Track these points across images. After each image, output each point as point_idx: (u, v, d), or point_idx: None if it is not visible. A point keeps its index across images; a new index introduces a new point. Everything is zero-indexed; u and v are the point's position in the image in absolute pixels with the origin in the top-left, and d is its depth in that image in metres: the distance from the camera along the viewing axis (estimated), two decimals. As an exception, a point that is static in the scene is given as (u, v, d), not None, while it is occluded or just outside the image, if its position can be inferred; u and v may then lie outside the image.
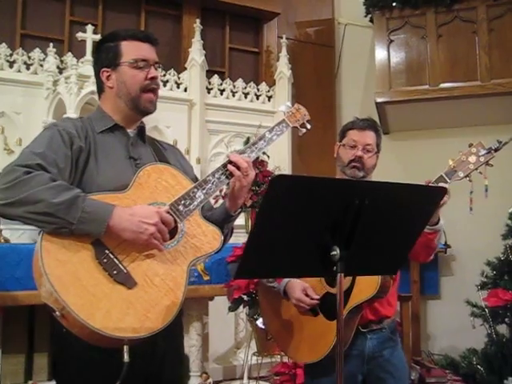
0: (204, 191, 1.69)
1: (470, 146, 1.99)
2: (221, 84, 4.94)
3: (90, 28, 4.18)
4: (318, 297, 2.01)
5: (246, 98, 5.03)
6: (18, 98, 4.05)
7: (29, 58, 4.17)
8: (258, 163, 4.51)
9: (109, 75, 1.77)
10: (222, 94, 4.95)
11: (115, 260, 1.53)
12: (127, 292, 1.51)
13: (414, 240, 1.58)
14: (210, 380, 3.48)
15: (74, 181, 1.64)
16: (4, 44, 4.11)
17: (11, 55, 4.13)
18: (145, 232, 1.53)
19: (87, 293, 1.47)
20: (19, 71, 4.13)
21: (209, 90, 4.90)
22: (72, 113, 3.84)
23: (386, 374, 2.09)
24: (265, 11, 5.17)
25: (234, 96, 4.99)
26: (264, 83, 5.12)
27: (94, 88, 3.96)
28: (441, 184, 1.92)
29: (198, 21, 4.82)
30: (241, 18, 5.21)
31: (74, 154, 1.65)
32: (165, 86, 4.66)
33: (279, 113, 5.12)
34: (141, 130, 1.83)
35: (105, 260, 1.52)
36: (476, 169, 1.97)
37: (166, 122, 4.59)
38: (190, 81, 4.76)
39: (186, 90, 4.75)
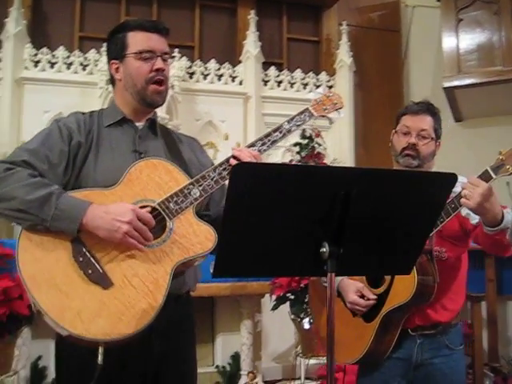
0: (201, 188, 1.57)
1: None
2: (278, 75, 4.81)
3: (141, 25, 4.21)
4: (374, 297, 1.86)
5: (304, 88, 4.86)
6: (75, 99, 4.16)
7: (85, 58, 4.28)
8: (314, 155, 4.35)
9: (117, 67, 1.72)
10: (279, 85, 4.81)
11: (91, 259, 1.47)
12: (102, 292, 1.44)
13: (423, 236, 1.38)
14: (258, 379, 3.38)
15: (72, 176, 1.61)
16: (62, 47, 4.24)
17: (68, 57, 4.25)
18: (118, 230, 1.45)
19: (59, 292, 1.42)
20: (76, 72, 4.24)
21: (265, 83, 4.78)
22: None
23: (433, 382, 1.89)
24: (324, -2, 4.98)
25: (292, 87, 4.83)
26: (324, 73, 4.93)
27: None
28: (483, 183, 1.65)
29: (252, 12, 4.72)
30: (298, 7, 5.05)
31: (72, 149, 1.62)
32: (219, 79, 4.61)
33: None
34: (152, 123, 1.76)
35: (81, 258, 1.46)
36: None
37: (221, 117, 4.54)
38: (246, 74, 4.67)
39: (241, 83, 4.66)
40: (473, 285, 4.63)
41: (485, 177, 1.69)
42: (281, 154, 4.67)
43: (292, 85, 4.84)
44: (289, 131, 1.76)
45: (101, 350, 1.41)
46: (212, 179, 1.59)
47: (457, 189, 1.72)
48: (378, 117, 5.01)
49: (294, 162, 4.35)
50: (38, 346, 3.35)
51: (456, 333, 1.95)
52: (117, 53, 1.71)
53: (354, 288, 1.88)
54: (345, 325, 1.93)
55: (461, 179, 1.87)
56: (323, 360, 3.52)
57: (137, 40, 1.69)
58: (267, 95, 4.74)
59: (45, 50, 4.20)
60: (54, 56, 4.22)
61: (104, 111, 1.77)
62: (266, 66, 4.81)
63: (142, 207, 1.55)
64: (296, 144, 4.42)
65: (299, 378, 3.92)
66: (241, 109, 4.61)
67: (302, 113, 1.81)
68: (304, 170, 1.27)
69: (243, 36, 4.75)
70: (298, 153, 4.39)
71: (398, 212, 1.30)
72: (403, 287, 1.77)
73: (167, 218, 1.54)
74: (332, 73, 4.96)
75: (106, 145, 1.68)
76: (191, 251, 1.53)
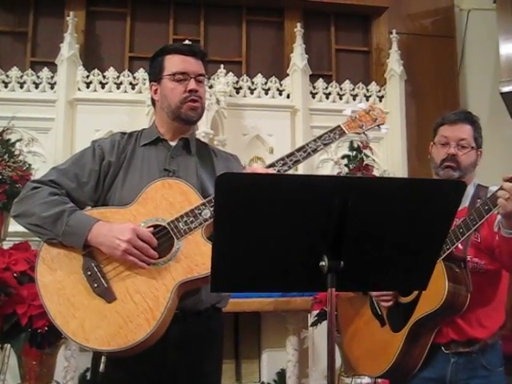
0: (212, 208, 1.58)
1: None
2: (326, 87, 4.74)
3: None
4: None
5: (354, 100, 4.75)
6: (124, 117, 4.27)
7: (134, 78, 4.39)
8: (363, 167, 4.23)
9: (156, 89, 1.82)
10: (327, 98, 4.74)
11: (98, 273, 1.56)
12: (104, 306, 1.52)
13: (435, 248, 1.28)
14: (301, 399, 3.28)
15: (102, 193, 1.73)
16: (112, 68, 4.38)
17: (118, 77, 4.38)
18: (117, 248, 1.53)
19: (67, 302, 1.52)
20: (125, 91, 4.36)
21: (313, 95, 4.72)
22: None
23: None
24: (372, 7, 4.87)
25: (341, 99, 4.75)
26: (374, 83, 4.81)
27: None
28: None
29: (299, 25, 4.68)
30: (347, 17, 4.97)
31: (103, 169, 1.74)
32: (266, 94, 4.60)
33: (391, 113, 4.77)
34: (185, 142, 1.82)
35: (89, 272, 1.56)
36: None
37: (268, 131, 4.51)
38: (293, 87, 4.63)
39: (288, 96, 4.63)
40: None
41: None
42: (330, 167, 4.58)
43: (341, 96, 4.75)
44: (314, 151, 1.74)
45: (103, 358, 1.49)
46: None
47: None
48: (432, 125, 4.83)
49: (341, 175, 4.25)
50: (87, 358, 3.43)
51: (495, 352, 1.83)
52: (155, 75, 1.82)
53: None
54: (371, 335, 1.89)
55: (492, 188, 1.76)
56: (366, 379, 3.39)
57: (172, 63, 1.79)
58: (315, 108, 4.67)
59: (96, 71, 4.35)
60: (104, 77, 4.36)
61: (144, 131, 1.88)
62: (314, 78, 4.74)
63: (153, 226, 1.61)
64: (344, 156, 4.33)
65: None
66: (288, 122, 4.56)
67: (332, 131, 1.79)
68: (292, 180, 1.21)
69: (290, 49, 4.72)
70: (347, 165, 4.29)
71: (401, 223, 1.22)
72: (433, 295, 1.69)
73: (175, 238, 1.59)
74: (383, 83, 4.83)
75: (137, 164, 1.77)
76: (195, 271, 1.55)
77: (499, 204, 1.59)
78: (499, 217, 1.69)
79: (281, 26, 4.89)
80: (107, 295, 1.54)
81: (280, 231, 1.19)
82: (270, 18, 4.91)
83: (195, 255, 1.57)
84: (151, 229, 1.60)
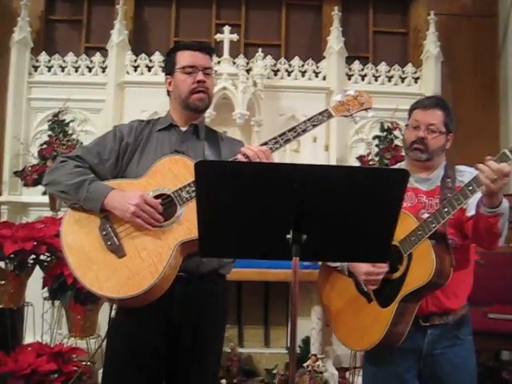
0: None
1: None
2: (362, 69, 4.87)
3: (227, 29, 4.53)
4: (386, 266, 1.92)
5: (389, 81, 4.86)
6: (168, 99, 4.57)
7: (178, 61, 4.68)
8: (392, 148, 4.37)
9: (170, 81, 2.06)
10: (363, 79, 4.87)
11: (112, 233, 1.82)
12: (116, 260, 1.78)
13: (389, 225, 1.46)
14: (319, 362, 3.54)
15: (121, 169, 2.00)
16: (158, 52, 4.69)
17: (164, 61, 4.68)
18: (127, 210, 1.79)
19: (85, 256, 1.80)
20: (170, 74, 4.66)
21: (349, 77, 4.86)
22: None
23: (443, 373, 1.96)
24: (412, -12, 4.93)
25: (376, 81, 4.86)
26: (410, 65, 4.88)
27: (225, 84, 4.33)
28: (503, 163, 1.68)
29: (336, 8, 4.81)
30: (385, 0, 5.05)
31: (122, 148, 2.00)
32: (303, 76, 4.78)
33: (426, 95, 4.88)
34: (195, 128, 2.06)
35: (104, 232, 1.83)
36: None
37: (304, 111, 4.65)
38: (329, 69, 4.78)
39: (324, 78, 4.79)
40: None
41: (502, 159, 1.72)
42: (363, 147, 4.72)
43: (376, 78, 4.86)
44: (304, 131, 1.93)
45: (114, 306, 1.79)
46: None
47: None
48: (470, 107, 4.86)
49: (371, 155, 4.41)
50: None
51: (465, 322, 2.00)
52: (169, 69, 2.06)
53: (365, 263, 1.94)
54: (358, 312, 2.01)
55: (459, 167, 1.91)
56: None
57: (183, 58, 2.02)
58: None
59: (143, 55, 4.68)
60: (151, 61, 4.68)
61: (160, 119, 2.13)
62: (351, 60, 4.87)
63: (160, 195, 1.86)
64: (375, 137, 4.47)
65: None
66: (323, 103, 4.70)
67: (320, 113, 1.98)
68: (257, 166, 1.45)
69: (328, 32, 4.86)
70: (377, 145, 4.44)
71: (354, 203, 1.41)
72: (421, 271, 1.85)
73: (178, 204, 1.84)
74: (419, 64, 4.89)
75: (152, 146, 2.02)
76: (193, 233, 1.77)
77: (484, 183, 1.69)
78: (477, 196, 1.80)
79: (319, 10, 5.04)
80: (119, 251, 1.78)
81: (250, 209, 1.42)
82: (308, 1, 5.06)
83: (195, 219, 1.73)
84: (160, 198, 1.84)
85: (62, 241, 1.85)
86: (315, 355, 3.60)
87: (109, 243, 1.81)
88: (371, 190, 1.41)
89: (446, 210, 1.83)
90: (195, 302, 1.92)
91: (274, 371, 3.73)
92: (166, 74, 2.08)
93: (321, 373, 3.55)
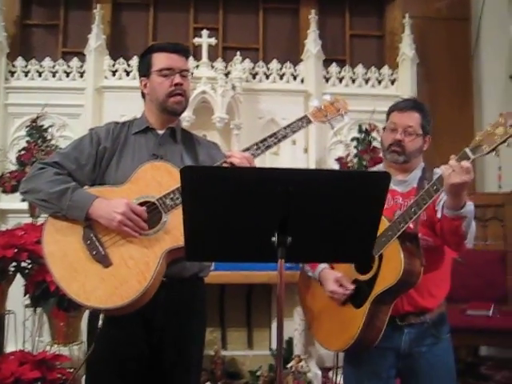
0: None
1: (500, 115, 1.72)
2: (339, 72, 4.92)
3: (205, 33, 4.56)
4: (352, 287, 1.97)
5: (366, 84, 4.93)
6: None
7: (155, 66, 4.69)
8: (371, 150, 4.44)
9: (145, 83, 2.04)
10: (341, 82, 4.92)
11: (96, 242, 1.81)
12: (102, 270, 1.77)
13: (371, 226, 1.49)
14: (302, 363, 3.58)
15: (98, 174, 1.96)
16: (136, 57, 4.67)
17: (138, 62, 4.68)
18: (114, 219, 1.78)
19: (70, 267, 1.78)
20: (149, 79, 4.66)
21: (327, 80, 4.91)
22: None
23: (422, 371, 1.99)
24: (387, -9, 5.01)
25: (353, 83, 4.93)
26: (386, 67, 4.95)
27: (205, 88, 4.34)
28: (463, 162, 1.70)
29: (313, 12, 4.86)
30: (361, 2, 5.12)
31: (99, 153, 1.97)
32: (281, 79, 4.81)
33: (402, 96, 4.94)
34: (172, 131, 2.05)
35: (88, 242, 1.81)
36: (504, 141, 1.70)
37: (283, 114, 4.71)
38: (306, 72, 4.83)
39: (302, 81, 4.83)
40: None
41: (463, 157, 1.74)
42: (342, 149, 4.77)
43: (354, 80, 4.92)
44: (284, 137, 1.96)
45: (101, 316, 1.75)
46: None
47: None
48: (444, 109, 4.95)
49: (350, 156, 4.46)
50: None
51: (442, 321, 2.03)
52: (144, 71, 2.03)
53: (332, 277, 1.99)
54: (333, 313, 2.04)
55: (436, 170, 1.95)
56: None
57: (159, 60, 1.99)
58: (328, 92, 4.84)
59: (121, 60, 4.67)
60: (129, 65, 4.67)
61: (135, 121, 2.09)
62: (329, 63, 4.92)
63: (143, 202, 1.86)
64: (353, 139, 4.53)
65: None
66: (302, 106, 4.75)
67: (299, 119, 2.02)
68: (242, 171, 1.48)
69: (305, 35, 4.91)
70: (356, 147, 4.50)
71: (337, 206, 1.44)
72: (390, 271, 1.87)
73: (163, 212, 1.83)
74: (395, 66, 4.97)
75: (130, 150, 2.00)
76: (180, 241, 1.76)
77: (444, 178, 1.72)
78: (443, 198, 1.84)
79: (296, 13, 5.08)
80: (104, 261, 1.77)
81: (236, 213, 1.44)
82: (285, 5, 5.10)
83: (180, 227, 1.75)
84: (145, 205, 1.84)
85: (43, 250, 1.82)
86: (298, 356, 3.64)
87: (94, 253, 1.79)
88: (354, 193, 1.44)
89: (413, 210, 1.86)
90: (178, 306, 1.93)
91: (258, 373, 3.76)
92: (141, 76, 2.05)
93: (304, 373, 3.59)
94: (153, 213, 1.84)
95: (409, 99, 2.10)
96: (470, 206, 1.78)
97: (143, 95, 2.07)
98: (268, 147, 1.94)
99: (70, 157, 1.93)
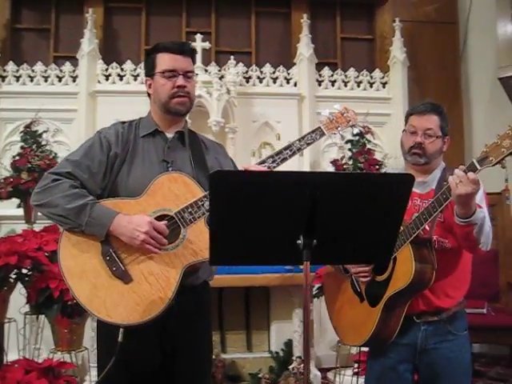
0: None
1: (509, 127, 1.75)
2: (331, 75, 4.98)
3: (198, 37, 4.56)
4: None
5: (358, 86, 4.99)
6: (142, 107, 4.45)
7: (151, 70, 4.68)
8: (365, 151, 4.48)
9: (150, 83, 2.02)
10: (333, 85, 4.98)
11: (116, 258, 1.78)
12: (123, 286, 1.75)
13: (393, 229, 1.52)
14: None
15: (109, 182, 1.91)
16: (129, 61, 4.68)
17: (135, 69, 4.68)
18: (137, 238, 1.75)
19: (89, 283, 1.75)
20: (142, 83, 4.64)
21: (320, 83, 4.96)
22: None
23: (440, 368, 2.03)
24: (376, -5, 5.08)
25: (345, 86, 4.98)
26: (378, 70, 5.02)
27: (200, 92, 4.34)
28: (470, 173, 1.75)
29: (305, 16, 4.91)
30: (352, 6, 5.19)
31: (110, 159, 1.92)
32: (274, 82, 4.85)
33: (394, 99, 5.00)
34: (180, 135, 2.02)
35: (107, 257, 1.78)
36: (510, 153, 1.73)
37: (277, 118, 4.78)
38: (299, 75, 4.87)
39: (295, 84, 4.88)
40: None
41: (471, 168, 1.78)
42: (336, 151, 4.82)
43: (346, 83, 4.98)
44: (299, 149, 1.96)
45: (121, 330, 1.72)
46: None
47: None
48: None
49: (345, 159, 4.51)
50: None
51: (460, 319, 2.07)
52: (149, 71, 2.01)
53: None
54: (353, 310, 2.11)
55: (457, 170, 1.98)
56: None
57: (163, 60, 1.96)
58: (321, 95, 4.91)
59: (114, 64, 4.65)
60: (122, 69, 4.66)
61: (141, 121, 2.06)
62: (321, 66, 4.98)
63: (161, 216, 1.83)
64: (348, 141, 4.58)
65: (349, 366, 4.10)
66: (295, 109, 4.81)
67: (313, 132, 2.01)
68: (271, 176, 1.49)
69: (297, 39, 4.96)
70: (350, 149, 4.54)
71: (362, 208, 1.47)
72: (402, 274, 1.92)
73: (181, 226, 1.81)
74: (386, 70, 5.04)
75: (139, 155, 1.95)
76: (199, 255, 1.79)
77: (451, 188, 1.77)
78: None
79: (288, 17, 5.13)
80: (125, 277, 1.75)
81: (263, 217, 1.46)
82: (277, 9, 5.14)
83: (199, 241, 1.79)
84: (165, 220, 1.81)
85: (60, 265, 1.77)
86: (300, 357, 3.66)
87: (114, 269, 1.77)
88: (378, 195, 1.46)
89: (424, 216, 1.91)
90: (189, 312, 1.92)
91: (260, 375, 3.77)
92: (146, 76, 2.02)
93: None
94: (172, 227, 1.82)
95: (427, 102, 2.12)
96: (480, 213, 1.83)
97: (149, 95, 2.05)
98: (283, 160, 1.93)
99: (81, 166, 1.88)
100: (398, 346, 2.03)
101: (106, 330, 1.85)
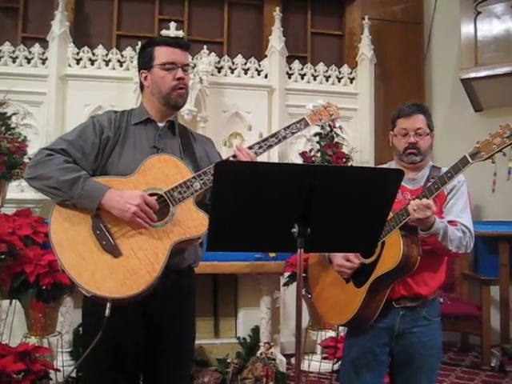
0: (202, 181, 1.89)
1: (500, 127, 1.95)
2: (301, 69, 5.07)
3: (172, 25, 4.58)
4: (358, 261, 2.12)
5: (327, 81, 5.11)
6: (113, 93, 4.54)
7: (122, 56, 4.66)
8: (333, 145, 4.61)
9: (146, 76, 2.05)
10: (302, 78, 5.08)
11: (106, 233, 1.82)
12: (112, 260, 1.79)
13: (380, 220, 1.64)
14: (273, 350, 3.72)
15: (100, 163, 1.96)
16: (101, 45, 4.63)
17: (107, 55, 4.64)
18: (128, 210, 1.79)
19: (79, 256, 1.78)
20: (113, 68, 4.63)
21: (290, 76, 5.05)
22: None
23: (414, 350, 2.16)
24: (347, -8, 5.20)
25: (315, 80, 5.09)
26: (346, 66, 5.15)
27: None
28: (424, 199, 1.95)
29: (277, 9, 4.99)
30: (323, 2, 5.28)
31: (102, 142, 1.96)
32: (246, 73, 4.91)
33: (360, 94, 5.14)
34: (171, 124, 2.08)
35: (98, 232, 1.82)
36: (500, 150, 1.94)
37: (247, 108, 4.85)
38: (270, 67, 4.95)
39: (266, 76, 4.95)
40: (486, 269, 4.86)
41: (463, 162, 1.97)
42: (303, 143, 4.93)
43: (315, 77, 5.09)
44: (284, 137, 2.05)
45: (108, 305, 1.75)
46: (212, 175, 1.87)
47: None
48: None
49: (313, 151, 4.63)
50: (80, 314, 3.78)
51: (434, 306, 2.22)
52: (145, 64, 2.04)
53: (341, 254, 2.14)
54: (337, 291, 2.21)
55: (461, 178, 2.14)
56: (330, 332, 3.84)
57: (162, 53, 2.01)
58: (291, 88, 5.01)
59: (86, 48, 4.60)
60: (94, 54, 4.61)
61: (133, 111, 2.10)
62: (291, 59, 5.07)
63: (151, 194, 1.89)
64: (316, 134, 4.69)
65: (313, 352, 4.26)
66: (265, 101, 4.89)
67: (298, 122, 2.10)
68: (274, 166, 1.58)
69: (269, 31, 5.03)
70: (318, 142, 4.66)
71: (355, 200, 1.57)
72: (390, 257, 2.04)
73: (171, 205, 1.88)
74: (354, 65, 5.18)
75: (131, 140, 2.01)
76: (187, 233, 1.85)
77: (410, 213, 1.98)
78: (450, 201, 2.11)
79: (261, 10, 5.19)
80: (114, 251, 1.79)
81: (262, 205, 1.54)
82: (250, 0, 5.19)
83: (188, 220, 1.86)
84: (155, 197, 1.87)
85: (51, 238, 1.80)
86: (268, 343, 3.77)
87: (104, 242, 1.80)
88: (370, 188, 1.57)
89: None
90: (175, 295, 1.99)
91: (228, 360, 3.86)
92: (142, 68, 2.05)
93: (273, 359, 3.72)
94: (161, 205, 1.88)
95: (411, 104, 2.24)
96: (440, 224, 2.01)
97: (142, 87, 2.09)
98: (270, 146, 2.02)
99: (75, 145, 1.92)
100: (377, 330, 2.15)
101: (93, 309, 1.89)
